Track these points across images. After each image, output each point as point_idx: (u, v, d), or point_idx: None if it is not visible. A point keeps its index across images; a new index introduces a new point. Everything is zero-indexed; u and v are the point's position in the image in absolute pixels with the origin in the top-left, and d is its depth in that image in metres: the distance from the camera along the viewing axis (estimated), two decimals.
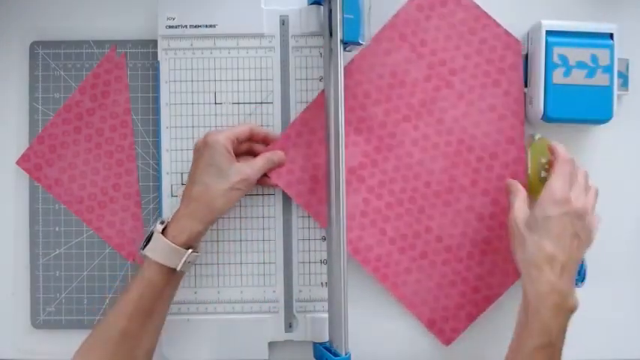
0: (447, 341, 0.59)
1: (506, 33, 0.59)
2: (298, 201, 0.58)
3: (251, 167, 0.55)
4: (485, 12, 0.59)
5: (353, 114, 0.59)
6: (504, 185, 0.57)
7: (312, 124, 0.58)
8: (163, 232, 0.52)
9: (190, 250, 0.52)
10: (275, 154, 0.57)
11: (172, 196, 0.59)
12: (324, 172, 0.58)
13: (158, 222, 0.53)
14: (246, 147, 0.58)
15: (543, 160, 0.59)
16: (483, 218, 0.59)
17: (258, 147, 0.58)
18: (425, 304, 0.59)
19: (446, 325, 0.59)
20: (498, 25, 0.59)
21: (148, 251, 0.52)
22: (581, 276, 0.59)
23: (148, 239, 0.52)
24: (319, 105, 0.58)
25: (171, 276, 0.52)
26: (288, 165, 0.58)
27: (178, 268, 0.52)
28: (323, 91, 0.58)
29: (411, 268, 0.59)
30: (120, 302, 0.51)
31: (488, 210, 0.59)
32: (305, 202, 0.58)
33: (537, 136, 0.60)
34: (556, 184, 0.52)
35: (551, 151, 0.55)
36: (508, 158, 0.59)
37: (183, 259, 0.52)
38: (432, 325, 0.59)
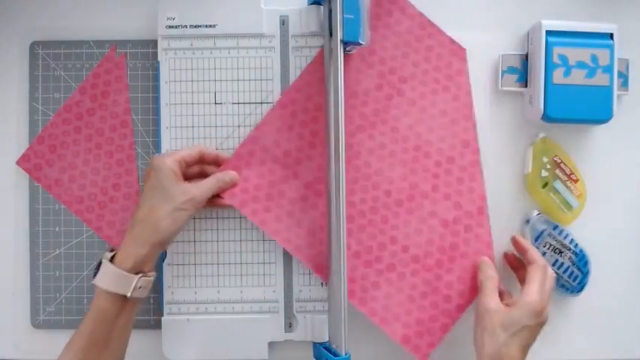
0: (424, 357, 0.57)
1: (451, 41, 0.59)
2: (254, 220, 0.58)
3: (198, 187, 0.54)
4: (429, 20, 0.59)
5: (306, 128, 0.58)
6: (464, 189, 0.58)
7: (263, 142, 0.58)
8: (113, 258, 0.52)
9: (140, 275, 0.51)
10: (226, 174, 0.57)
11: None
12: (279, 190, 0.58)
13: (108, 250, 0.53)
14: (197, 170, 0.58)
15: (545, 160, 0.59)
16: (448, 223, 0.58)
17: (209, 169, 0.58)
18: (397, 320, 0.58)
19: (421, 341, 0.57)
20: (443, 33, 0.59)
21: (97, 280, 0.51)
22: (580, 285, 0.59)
23: (98, 267, 0.51)
24: (271, 122, 0.58)
25: (124, 304, 0.51)
26: (241, 184, 0.58)
27: (129, 295, 0.51)
28: (274, 108, 0.58)
29: (378, 282, 0.58)
30: (75, 335, 0.50)
31: (452, 214, 0.58)
32: (260, 220, 0.58)
33: (540, 135, 0.60)
34: (535, 293, 0.53)
35: (523, 251, 0.57)
36: (464, 161, 0.59)
37: (133, 284, 0.51)
38: (406, 341, 0.57)
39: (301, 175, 0.58)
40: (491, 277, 0.55)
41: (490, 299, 0.54)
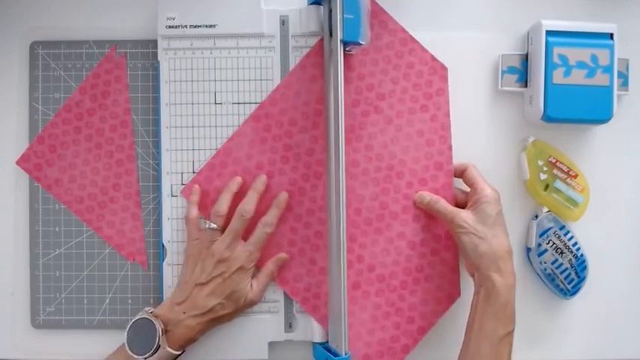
0: None
1: (433, 58, 0.59)
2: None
3: (257, 289, 0.57)
4: (411, 36, 0.58)
5: (279, 142, 0.58)
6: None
7: (236, 154, 0.58)
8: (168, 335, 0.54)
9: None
10: (276, 260, 0.58)
11: (172, 196, 0.59)
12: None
13: (158, 328, 0.53)
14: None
15: (540, 163, 0.59)
16: (415, 246, 0.58)
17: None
18: (359, 339, 0.57)
19: None
20: (425, 50, 0.58)
21: None
22: (574, 290, 0.59)
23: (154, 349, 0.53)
24: (244, 134, 0.58)
25: None
26: (211, 195, 0.58)
27: None
28: (248, 120, 0.58)
29: None
30: None
31: (420, 237, 0.58)
32: None
33: (531, 139, 0.59)
34: (486, 185, 0.56)
35: (462, 170, 0.58)
36: (437, 185, 0.58)
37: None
38: None
39: (272, 189, 0.58)
40: (437, 199, 0.57)
41: (457, 211, 0.55)
